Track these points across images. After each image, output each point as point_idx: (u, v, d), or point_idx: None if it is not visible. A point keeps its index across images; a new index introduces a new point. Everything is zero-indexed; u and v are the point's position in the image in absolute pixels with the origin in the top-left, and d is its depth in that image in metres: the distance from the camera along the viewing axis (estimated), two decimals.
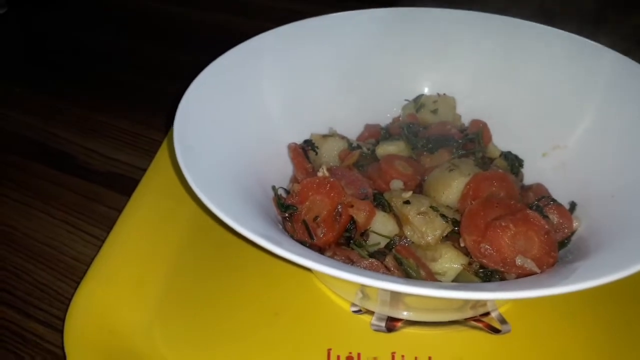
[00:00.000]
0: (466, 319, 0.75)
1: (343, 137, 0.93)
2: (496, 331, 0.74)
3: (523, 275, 0.67)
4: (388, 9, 0.98)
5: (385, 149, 0.89)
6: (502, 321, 0.75)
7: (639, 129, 0.76)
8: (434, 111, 0.96)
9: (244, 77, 0.86)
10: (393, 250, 0.72)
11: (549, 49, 0.90)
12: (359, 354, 0.72)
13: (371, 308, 0.76)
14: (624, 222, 0.69)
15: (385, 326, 0.75)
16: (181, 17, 1.71)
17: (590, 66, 0.85)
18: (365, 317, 0.76)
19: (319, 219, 0.75)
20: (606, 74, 0.83)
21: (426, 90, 1.00)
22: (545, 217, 0.74)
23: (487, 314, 0.76)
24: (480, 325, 0.75)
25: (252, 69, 0.87)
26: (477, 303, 0.72)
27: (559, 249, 0.74)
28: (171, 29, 1.65)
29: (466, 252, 0.72)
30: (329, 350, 0.72)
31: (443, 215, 0.74)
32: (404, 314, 0.75)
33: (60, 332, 0.76)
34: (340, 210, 0.75)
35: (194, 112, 0.75)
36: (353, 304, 0.77)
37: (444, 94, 0.99)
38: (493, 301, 0.75)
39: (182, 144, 0.68)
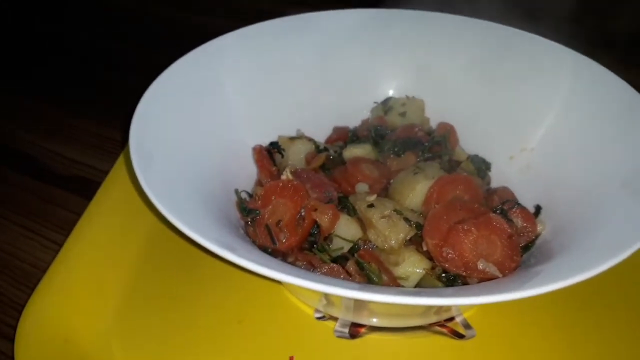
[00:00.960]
0: (430, 324, 0.74)
1: (310, 140, 0.91)
2: (460, 336, 0.73)
3: (485, 280, 0.66)
4: (357, 10, 0.97)
5: (352, 151, 0.88)
6: (467, 326, 0.74)
7: (602, 131, 0.76)
8: (402, 114, 0.96)
9: (206, 78, 0.84)
10: (355, 255, 0.70)
11: (515, 52, 0.90)
12: None
13: (335, 314, 0.75)
14: (587, 225, 0.69)
15: (349, 332, 0.73)
16: (150, 16, 1.68)
17: (554, 68, 0.85)
18: (329, 324, 0.75)
19: (281, 223, 0.74)
20: (569, 75, 0.83)
21: (393, 93, 0.99)
22: (510, 220, 0.74)
23: (451, 319, 0.75)
24: (444, 330, 0.74)
25: (214, 70, 0.85)
26: (440, 308, 0.72)
27: (523, 252, 0.74)
28: (140, 29, 1.62)
29: (430, 256, 0.71)
30: (291, 358, 0.70)
31: (407, 219, 0.73)
32: (368, 320, 0.74)
33: (12, 341, 0.73)
34: (303, 214, 0.74)
35: (152, 115, 0.73)
36: (317, 310, 0.76)
37: (413, 97, 0.98)
38: (457, 306, 0.74)
39: (138, 147, 0.66)
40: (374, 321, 0.74)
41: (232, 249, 0.54)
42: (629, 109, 0.75)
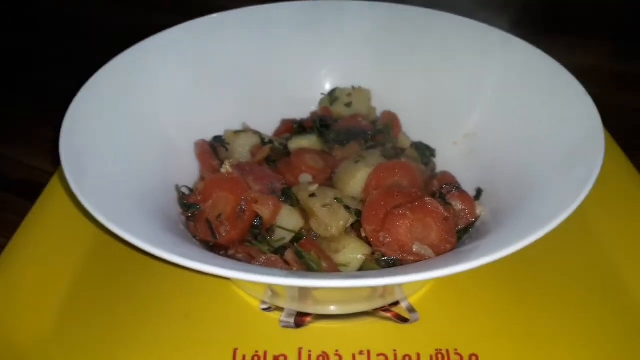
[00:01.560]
0: (375, 310, 0.75)
1: (256, 133, 0.91)
2: (405, 320, 0.74)
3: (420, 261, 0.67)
4: (296, 2, 0.97)
5: (298, 143, 0.88)
6: (411, 310, 0.75)
7: (535, 112, 0.78)
8: (348, 104, 0.96)
9: (143, 76, 0.83)
10: (295, 245, 0.71)
11: (453, 37, 0.91)
12: (265, 352, 0.70)
13: (280, 305, 0.75)
14: (521, 204, 0.70)
15: (294, 322, 0.74)
16: (103, 17, 1.65)
17: (488, 51, 0.87)
18: (275, 314, 0.75)
19: (222, 216, 0.74)
20: (501, 58, 0.85)
21: (340, 84, 1.00)
22: (448, 204, 0.75)
23: (396, 303, 0.76)
24: (389, 315, 0.75)
25: (152, 68, 0.85)
26: (384, 292, 0.72)
27: (462, 234, 0.75)
28: (92, 29, 1.59)
29: (369, 241, 0.72)
30: (235, 350, 0.71)
31: (347, 207, 0.74)
32: (313, 309, 0.74)
33: None
34: (244, 206, 0.74)
35: (84, 119, 0.72)
36: (263, 302, 0.76)
37: (359, 87, 0.99)
38: (401, 290, 0.75)
39: (69, 150, 0.65)
40: (320, 309, 0.74)
41: (160, 244, 0.54)
42: (558, 87, 0.76)
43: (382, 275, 0.49)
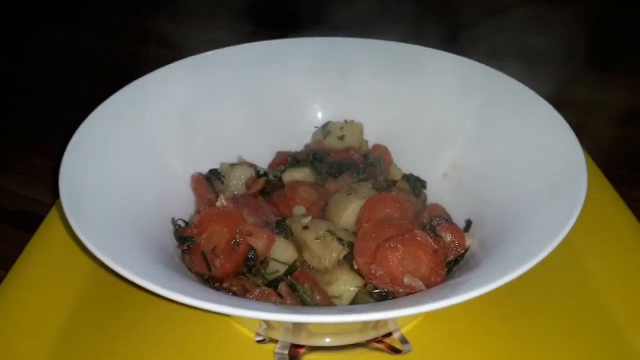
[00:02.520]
0: (368, 341, 0.76)
1: (251, 165, 0.93)
2: (397, 351, 0.75)
3: (411, 294, 0.68)
4: (293, 39, 1.01)
5: (291, 175, 0.90)
6: (404, 341, 0.76)
7: (517, 146, 0.80)
8: (341, 137, 0.99)
9: (140, 112, 0.85)
10: (288, 277, 0.72)
11: (439, 71, 0.94)
12: None
13: (275, 337, 0.76)
14: (509, 236, 0.72)
15: (289, 354, 0.74)
16: (100, 49, 1.69)
17: (464, 82, 0.90)
18: (270, 346, 0.76)
19: (217, 249, 0.75)
20: (483, 91, 0.88)
21: (333, 117, 1.02)
22: (438, 236, 0.76)
23: (389, 334, 0.77)
24: (381, 346, 0.75)
25: (147, 104, 0.87)
26: (377, 324, 0.73)
27: (452, 266, 0.77)
28: (88, 61, 1.63)
29: (362, 274, 0.73)
30: None
31: (339, 239, 0.75)
32: (307, 341, 0.75)
33: None
34: (238, 239, 0.75)
35: (83, 155, 0.74)
36: (257, 334, 0.77)
37: (352, 120, 1.02)
38: (394, 321, 0.76)
39: (67, 184, 0.67)
40: (314, 341, 0.75)
41: (155, 279, 0.55)
42: (540, 119, 0.79)
43: (375, 310, 0.51)
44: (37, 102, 1.44)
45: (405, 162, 0.97)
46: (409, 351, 0.75)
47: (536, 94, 0.82)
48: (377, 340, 0.76)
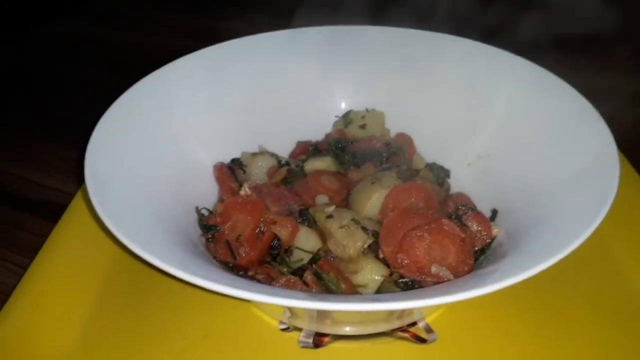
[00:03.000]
0: (393, 330, 0.75)
1: (272, 155, 0.93)
2: (422, 341, 0.74)
3: (439, 283, 0.68)
4: (312, 28, 1.00)
5: (313, 164, 0.90)
6: (429, 330, 0.76)
7: (547, 136, 0.79)
8: (362, 126, 0.98)
9: (163, 100, 0.85)
10: (313, 266, 0.72)
11: (465, 60, 0.93)
12: None
13: (299, 325, 0.76)
14: (536, 225, 0.71)
15: (313, 342, 0.74)
16: (117, 41, 1.69)
17: (500, 74, 0.88)
18: (294, 334, 0.76)
19: (241, 238, 0.75)
20: (513, 81, 0.86)
21: (354, 106, 1.02)
22: (464, 225, 0.76)
23: (414, 324, 0.76)
24: (407, 335, 0.75)
25: (171, 93, 0.87)
26: (402, 313, 0.73)
27: (479, 256, 0.76)
28: (106, 53, 1.63)
29: (387, 263, 0.72)
30: None
31: (364, 228, 0.75)
32: (331, 329, 0.75)
33: None
34: (262, 228, 0.75)
35: (107, 142, 0.74)
36: (281, 322, 0.77)
37: (373, 109, 1.01)
38: (419, 311, 0.75)
39: (93, 172, 0.67)
40: (338, 330, 0.75)
41: (181, 266, 0.55)
42: (570, 109, 0.78)
43: (407, 299, 0.50)
44: (52, 93, 1.44)
45: (427, 151, 0.96)
46: (434, 340, 0.74)
47: (565, 82, 0.81)
48: (401, 329, 0.76)
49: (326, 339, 0.75)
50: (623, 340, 0.74)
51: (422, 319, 0.77)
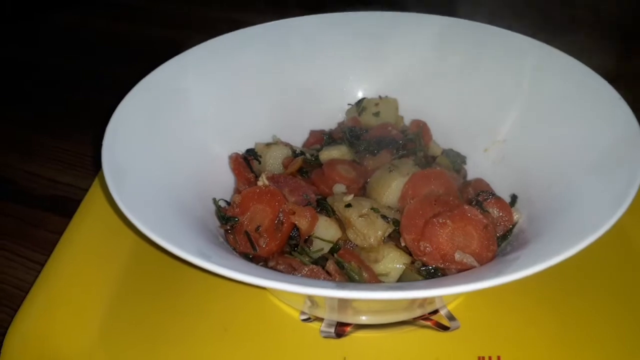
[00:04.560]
0: (415, 319, 0.75)
1: (287, 145, 0.92)
2: (445, 328, 0.74)
3: (463, 270, 0.67)
4: (323, 15, 0.99)
5: (328, 154, 0.89)
6: (451, 318, 0.75)
7: (568, 117, 0.78)
8: (376, 114, 0.97)
9: (177, 91, 0.84)
10: (335, 255, 0.71)
11: (481, 44, 0.91)
12: None
13: (320, 315, 0.75)
14: (559, 210, 0.70)
15: (335, 332, 0.74)
16: (125, 33, 1.68)
17: (519, 58, 0.87)
18: (315, 325, 0.75)
19: (260, 228, 0.74)
20: (533, 65, 0.85)
21: (367, 94, 1.01)
22: (485, 211, 0.75)
23: (435, 312, 0.76)
24: (429, 323, 0.75)
25: (185, 83, 0.86)
26: (424, 301, 0.72)
27: (501, 241, 0.75)
28: (115, 46, 1.62)
29: (409, 251, 0.72)
30: None
31: (384, 216, 0.74)
32: (353, 319, 0.74)
33: None
34: (282, 218, 0.75)
35: (123, 131, 0.73)
36: (302, 313, 0.76)
37: (386, 96, 1.00)
38: (441, 298, 0.75)
39: (110, 163, 0.66)
40: (360, 319, 0.74)
41: (206, 257, 0.54)
42: (592, 92, 0.76)
43: (438, 286, 0.49)
44: (66, 89, 1.44)
45: (442, 137, 0.95)
46: (457, 328, 0.74)
47: (586, 66, 0.79)
48: (423, 317, 0.75)
49: (348, 329, 0.74)
50: None
51: (444, 306, 0.76)
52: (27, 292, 0.83)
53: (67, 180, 1.12)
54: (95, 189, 0.94)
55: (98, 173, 0.98)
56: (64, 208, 1.03)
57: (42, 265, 0.91)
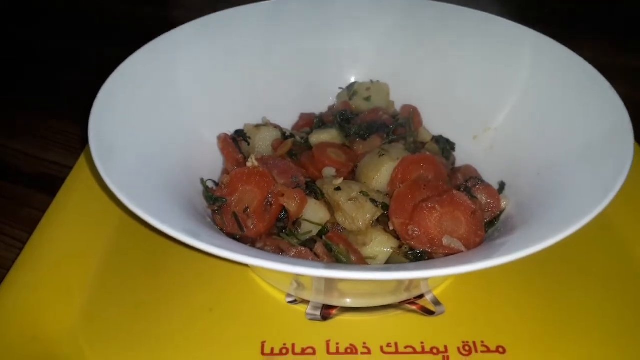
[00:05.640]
0: (401, 303, 0.75)
1: (276, 127, 0.91)
2: (430, 313, 0.74)
3: (450, 255, 0.67)
4: None
5: (318, 137, 0.88)
6: (436, 303, 0.76)
7: (560, 107, 0.78)
8: (367, 98, 0.96)
9: (165, 69, 0.83)
10: (323, 237, 0.71)
11: (475, 32, 0.91)
12: (293, 345, 0.71)
13: (306, 297, 0.75)
14: (547, 197, 0.71)
15: (321, 314, 0.74)
16: (108, 11, 1.65)
17: (514, 47, 0.87)
18: (301, 307, 0.75)
19: (249, 210, 0.74)
20: (528, 55, 0.85)
21: (358, 78, 1.00)
22: (474, 197, 0.75)
23: (421, 296, 0.76)
24: (414, 308, 0.75)
25: (172, 61, 0.84)
26: (410, 285, 0.73)
27: (488, 227, 0.76)
28: (98, 24, 1.59)
29: (396, 235, 0.72)
30: (263, 343, 0.71)
31: (373, 200, 0.74)
32: (339, 301, 0.74)
33: None
34: (270, 200, 0.74)
35: (110, 108, 0.71)
36: (288, 295, 0.76)
37: (378, 81, 0.99)
38: (427, 283, 0.75)
39: (98, 139, 0.65)
40: (346, 302, 0.74)
41: (196, 236, 0.54)
42: (583, 82, 0.76)
43: (426, 268, 0.49)
44: (53, 68, 1.41)
45: (432, 123, 0.95)
46: (442, 313, 0.74)
47: (576, 54, 0.79)
48: (409, 302, 0.76)
49: (334, 312, 0.75)
50: (628, 314, 0.74)
51: (430, 291, 0.77)
52: (7, 269, 0.82)
53: (54, 159, 1.10)
54: (81, 166, 0.93)
55: (84, 150, 0.97)
56: (49, 186, 1.01)
57: (23, 242, 0.90)
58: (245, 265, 0.77)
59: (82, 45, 1.49)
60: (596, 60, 0.79)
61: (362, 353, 0.70)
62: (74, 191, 0.89)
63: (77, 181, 0.90)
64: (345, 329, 0.73)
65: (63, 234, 0.83)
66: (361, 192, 0.74)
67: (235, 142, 0.86)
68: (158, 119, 0.78)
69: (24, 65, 1.42)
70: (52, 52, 1.47)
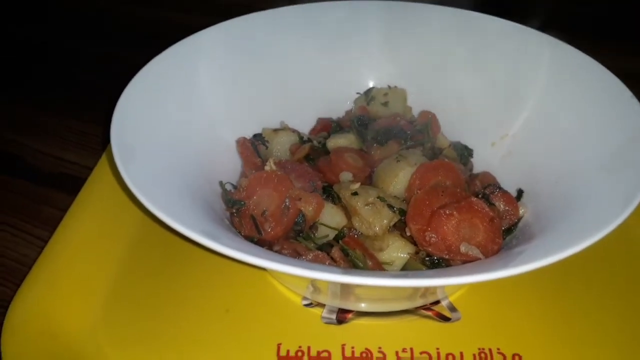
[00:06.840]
0: (416, 308, 0.75)
1: (294, 131, 0.92)
2: (446, 319, 0.74)
3: (468, 262, 0.67)
4: (336, 2, 0.98)
5: (336, 141, 0.89)
6: (452, 309, 0.75)
7: (580, 115, 0.78)
8: (385, 103, 0.97)
9: (186, 73, 0.84)
10: (340, 242, 0.71)
11: (495, 39, 0.91)
12: (309, 348, 0.71)
13: (322, 301, 0.76)
14: (566, 206, 0.70)
15: (336, 318, 0.74)
16: (125, 15, 1.67)
17: (533, 54, 0.86)
18: (316, 310, 0.76)
19: (266, 213, 0.74)
20: (547, 62, 0.85)
21: (376, 83, 1.00)
22: (492, 204, 0.75)
23: (437, 302, 0.76)
24: (430, 314, 0.75)
25: (194, 65, 0.85)
26: (426, 291, 0.73)
27: (506, 235, 0.75)
28: (115, 27, 1.61)
29: (413, 241, 0.72)
30: (278, 345, 0.71)
31: (390, 206, 0.74)
32: (355, 306, 0.75)
33: None
34: (288, 203, 0.75)
35: (132, 111, 0.73)
36: (304, 298, 0.77)
37: (395, 87, 0.99)
38: (443, 289, 0.75)
39: (119, 141, 0.66)
40: (361, 306, 0.75)
41: (215, 238, 0.54)
42: (604, 91, 0.76)
43: (445, 276, 0.50)
44: (70, 68, 1.43)
45: (450, 130, 0.95)
46: (458, 319, 0.74)
47: (597, 62, 0.79)
48: (425, 307, 0.76)
49: (349, 316, 0.75)
50: None
51: (446, 297, 0.77)
52: (29, 267, 0.83)
53: (74, 159, 1.12)
54: (102, 167, 0.94)
55: (105, 151, 0.98)
56: (70, 186, 1.03)
57: (46, 241, 0.91)
58: (262, 267, 0.78)
59: (104, 49, 1.51)
60: (617, 67, 0.79)
61: (377, 358, 0.70)
62: (95, 191, 0.91)
63: (98, 181, 0.92)
64: (360, 334, 0.73)
65: (84, 233, 0.84)
66: (378, 197, 0.75)
67: (254, 146, 0.87)
68: (178, 122, 0.80)
69: (39, 66, 1.44)
70: (66, 53, 1.50)
